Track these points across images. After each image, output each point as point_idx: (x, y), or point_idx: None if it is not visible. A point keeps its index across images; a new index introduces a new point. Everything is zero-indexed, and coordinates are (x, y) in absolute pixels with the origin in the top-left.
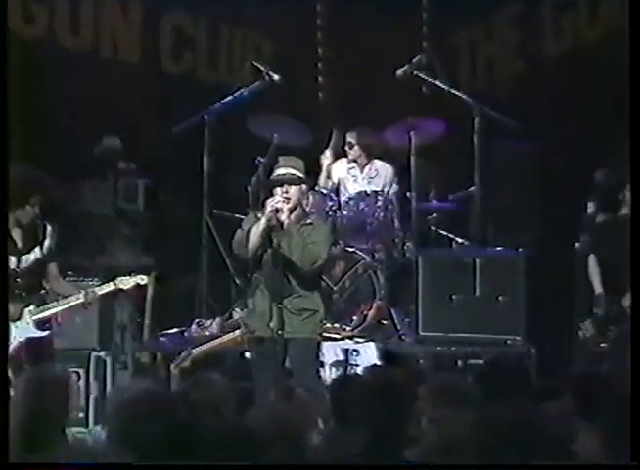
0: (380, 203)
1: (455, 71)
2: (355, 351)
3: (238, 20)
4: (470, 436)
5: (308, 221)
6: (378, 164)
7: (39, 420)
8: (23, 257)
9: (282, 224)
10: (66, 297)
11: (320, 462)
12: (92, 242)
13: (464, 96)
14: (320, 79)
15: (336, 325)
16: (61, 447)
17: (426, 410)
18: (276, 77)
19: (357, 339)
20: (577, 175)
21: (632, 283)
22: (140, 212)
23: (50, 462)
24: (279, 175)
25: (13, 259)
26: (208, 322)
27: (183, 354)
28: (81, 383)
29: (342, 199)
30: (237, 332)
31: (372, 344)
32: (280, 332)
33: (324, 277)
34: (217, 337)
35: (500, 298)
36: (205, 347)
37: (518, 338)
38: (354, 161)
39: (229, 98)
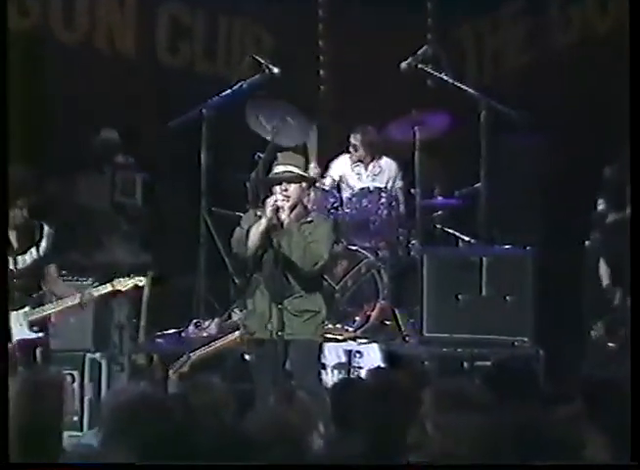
0: (383, 200)
1: (461, 64)
2: (358, 352)
3: (237, 11)
4: (476, 441)
5: (309, 219)
6: (382, 160)
7: (32, 424)
8: (19, 257)
9: (282, 223)
10: (61, 298)
11: (321, 466)
12: (89, 238)
13: (470, 89)
14: (321, 72)
15: (338, 326)
16: (57, 453)
17: (431, 414)
18: (276, 70)
19: (360, 340)
20: (587, 171)
21: (632, 283)
22: (138, 207)
23: (50, 462)
24: (278, 173)
25: (9, 260)
26: (207, 323)
27: (182, 360)
28: (75, 385)
29: (345, 196)
30: (236, 333)
31: (375, 345)
32: (280, 334)
33: (326, 276)
34: (216, 338)
35: (508, 298)
36: (203, 351)
37: (526, 339)
38: (359, 160)
39: (228, 92)
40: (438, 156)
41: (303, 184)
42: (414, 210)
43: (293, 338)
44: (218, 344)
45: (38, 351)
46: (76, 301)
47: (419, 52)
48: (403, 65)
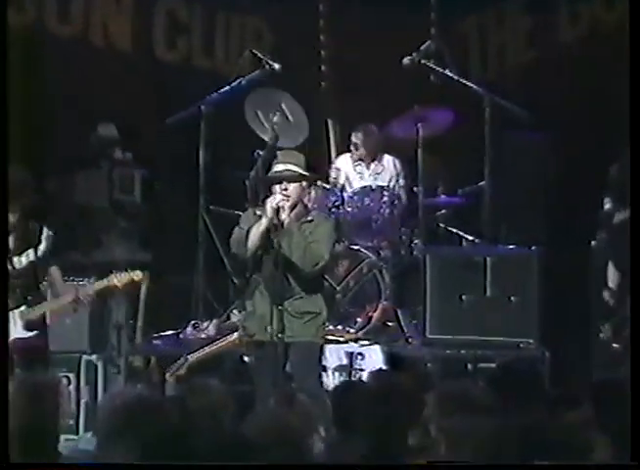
0: (385, 198)
1: (465, 60)
2: (360, 354)
3: (235, 4)
4: (481, 445)
5: (309, 218)
6: (384, 158)
7: (28, 427)
8: (15, 259)
9: (282, 223)
10: (56, 296)
11: (321, 466)
12: (87, 237)
13: (474, 86)
14: (323, 68)
15: (339, 327)
16: (53, 457)
17: (434, 418)
18: (276, 66)
19: (362, 342)
20: (593, 169)
21: (632, 283)
22: (137, 205)
23: (50, 462)
24: (277, 171)
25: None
26: (205, 324)
27: (179, 362)
28: (71, 388)
29: (346, 194)
30: (234, 334)
31: (377, 347)
32: (280, 336)
33: (327, 277)
34: (214, 340)
35: (512, 298)
36: (200, 353)
37: (531, 341)
38: (360, 159)
39: (227, 88)
40: (442, 153)
41: (304, 183)
42: (417, 208)
43: (293, 340)
44: (216, 346)
45: (33, 352)
46: (72, 297)
47: (422, 47)
48: (406, 60)
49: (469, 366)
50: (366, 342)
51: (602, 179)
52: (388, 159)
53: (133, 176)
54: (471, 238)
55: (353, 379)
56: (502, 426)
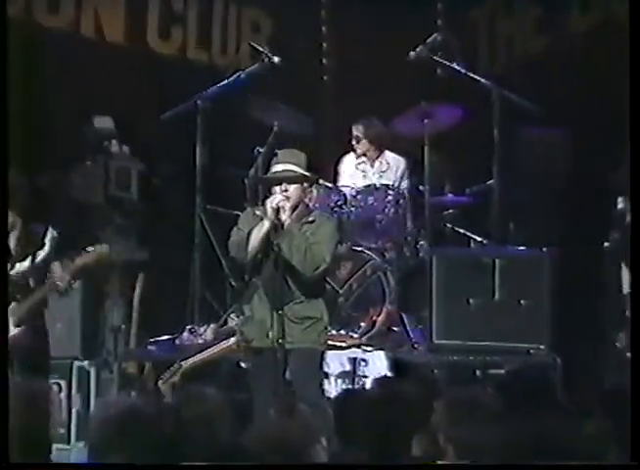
0: (390, 197)
1: (473, 52)
2: (363, 360)
3: None
4: (489, 454)
5: (310, 218)
6: (389, 156)
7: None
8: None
9: (282, 224)
10: (34, 289)
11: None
12: (83, 234)
13: (482, 79)
14: (325, 61)
15: (342, 332)
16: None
17: (441, 426)
18: (276, 59)
19: (365, 347)
20: (607, 167)
21: (632, 284)
22: (134, 202)
23: (50, 462)
24: (277, 172)
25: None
26: (202, 329)
27: (172, 368)
28: (62, 395)
29: (349, 193)
30: (232, 340)
31: (381, 353)
32: (280, 342)
33: (329, 280)
34: (211, 345)
35: (522, 302)
36: (196, 358)
37: (542, 347)
38: (363, 154)
39: (224, 82)
40: (449, 150)
41: (305, 184)
42: (423, 208)
43: (292, 347)
44: (212, 351)
45: (25, 357)
46: (51, 285)
47: (428, 40)
48: (412, 54)
49: (477, 373)
50: (370, 347)
51: (615, 178)
52: (392, 156)
53: (130, 171)
54: (479, 239)
55: (356, 386)
56: (511, 435)
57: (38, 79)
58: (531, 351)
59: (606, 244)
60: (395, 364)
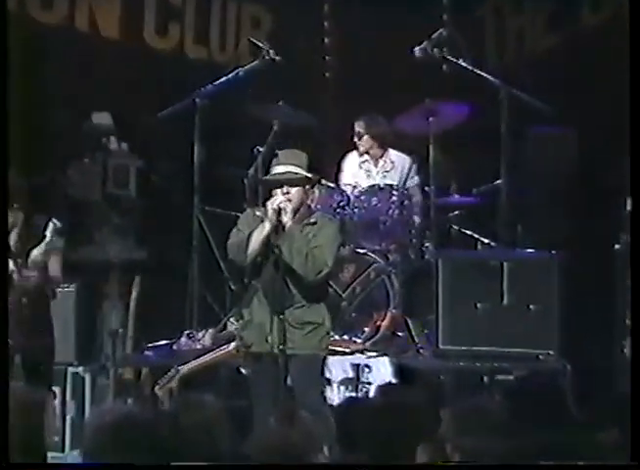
0: (395, 198)
1: (480, 48)
2: (367, 366)
3: None
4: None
5: (312, 220)
6: (393, 155)
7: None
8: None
9: (283, 226)
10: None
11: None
12: (80, 233)
13: (490, 76)
14: (327, 58)
15: (345, 337)
16: None
17: (447, 434)
18: (277, 56)
19: (369, 353)
20: (619, 167)
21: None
22: (132, 199)
23: (50, 463)
24: (277, 174)
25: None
26: (200, 334)
27: (169, 374)
28: (57, 402)
29: (352, 194)
30: (231, 345)
31: (386, 358)
32: (281, 347)
33: (331, 283)
34: (209, 350)
35: (531, 306)
36: (193, 364)
37: (551, 352)
38: (366, 153)
39: (223, 79)
40: (455, 150)
41: (307, 186)
42: (428, 209)
43: (293, 352)
44: (210, 356)
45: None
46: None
47: (434, 36)
48: (417, 50)
49: (484, 379)
50: (374, 353)
51: (625, 178)
52: (397, 155)
53: (129, 168)
54: (486, 241)
55: (360, 393)
56: (519, 442)
57: (35, 76)
58: (540, 356)
59: (616, 246)
60: (400, 370)
